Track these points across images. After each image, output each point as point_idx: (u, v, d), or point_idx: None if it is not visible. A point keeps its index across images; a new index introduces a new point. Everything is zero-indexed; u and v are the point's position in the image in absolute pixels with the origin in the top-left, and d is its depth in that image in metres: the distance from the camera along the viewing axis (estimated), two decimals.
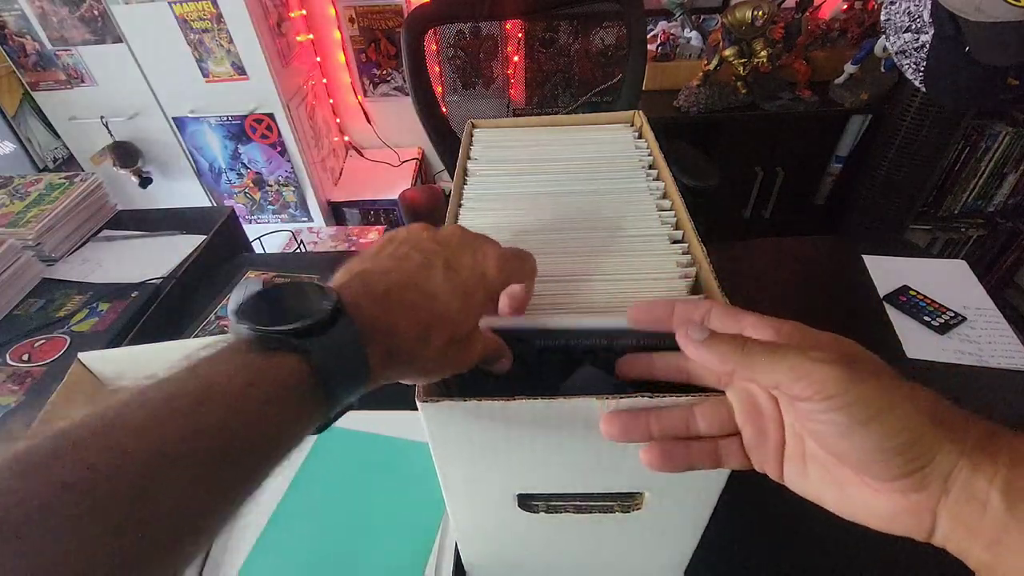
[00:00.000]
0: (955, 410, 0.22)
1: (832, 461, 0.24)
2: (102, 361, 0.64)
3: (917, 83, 0.90)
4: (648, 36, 1.57)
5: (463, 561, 0.45)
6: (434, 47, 1.63)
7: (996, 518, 0.20)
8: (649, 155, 0.49)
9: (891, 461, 0.22)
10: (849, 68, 1.47)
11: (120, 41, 1.43)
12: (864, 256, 0.80)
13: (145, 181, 1.65)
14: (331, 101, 1.84)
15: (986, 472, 0.21)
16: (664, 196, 0.44)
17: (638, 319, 0.29)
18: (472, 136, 0.54)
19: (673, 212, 0.42)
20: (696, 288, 0.36)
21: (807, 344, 0.25)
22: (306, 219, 1.79)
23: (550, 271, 0.37)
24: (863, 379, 0.22)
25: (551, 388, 0.31)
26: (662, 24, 1.60)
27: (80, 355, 0.62)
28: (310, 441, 0.58)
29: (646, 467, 0.27)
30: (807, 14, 1.54)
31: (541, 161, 0.49)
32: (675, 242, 0.40)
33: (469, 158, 0.50)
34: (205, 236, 0.89)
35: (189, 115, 1.56)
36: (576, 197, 0.45)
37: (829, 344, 0.25)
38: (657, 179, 0.46)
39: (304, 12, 1.65)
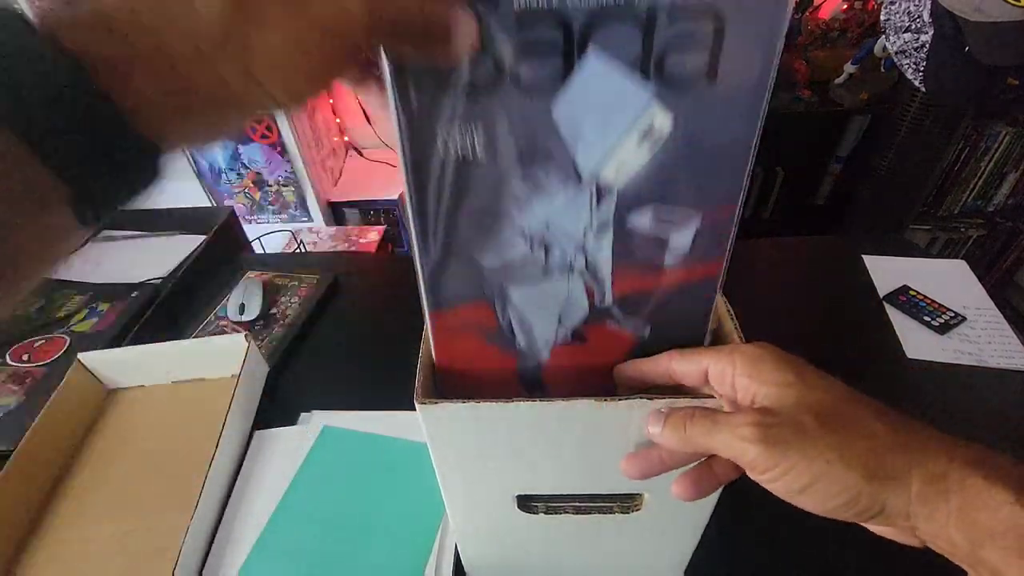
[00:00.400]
0: (899, 450, 0.22)
1: None
2: (102, 361, 0.64)
3: (917, 83, 0.90)
4: None
5: (463, 562, 0.45)
6: None
7: (965, 551, 0.21)
8: None
9: (841, 513, 0.22)
10: (849, 68, 1.47)
11: None
12: (864, 256, 0.80)
13: None
14: (331, 101, 1.84)
15: (940, 515, 0.21)
16: None
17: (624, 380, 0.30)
18: None
19: None
20: None
21: (754, 380, 0.24)
22: (306, 219, 1.79)
23: None
24: (787, 451, 0.22)
25: (541, 101, 0.22)
26: None
27: (80, 355, 0.62)
28: (309, 441, 0.58)
29: (679, 499, 0.28)
30: (807, 14, 1.54)
31: None
32: None
33: None
34: (205, 236, 0.89)
35: None
36: None
37: (772, 381, 0.24)
38: None
39: None
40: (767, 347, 0.25)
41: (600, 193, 0.24)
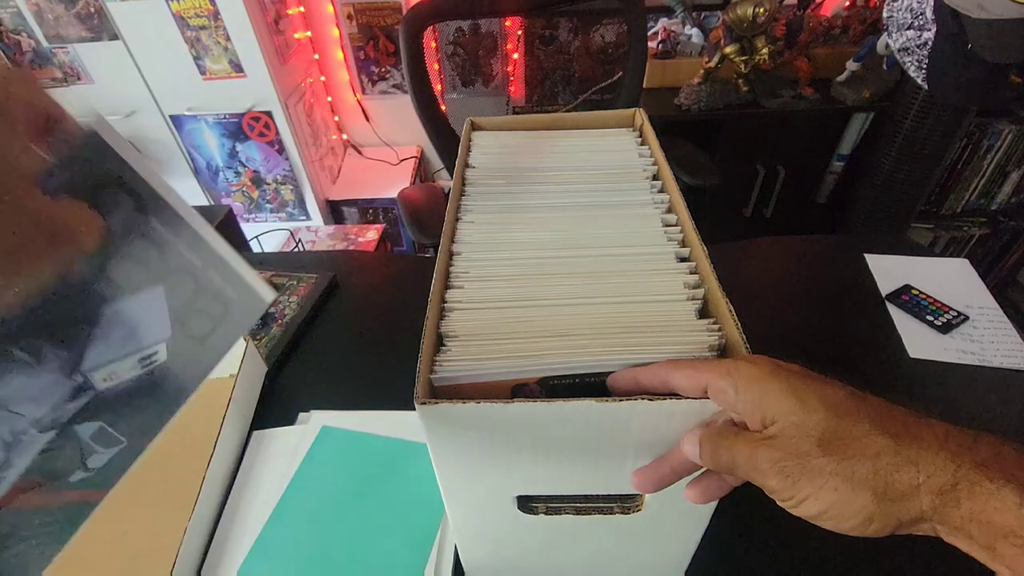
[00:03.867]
0: (905, 467, 0.22)
1: None
2: None
3: (919, 81, 0.89)
4: (649, 33, 1.56)
5: (463, 563, 0.45)
6: (433, 44, 1.62)
7: (983, 545, 0.21)
8: (653, 164, 0.48)
9: (860, 533, 0.23)
10: (851, 66, 1.46)
11: (116, 38, 1.42)
12: (866, 255, 0.79)
13: None
14: (329, 99, 1.84)
15: (953, 520, 0.21)
16: (669, 210, 0.43)
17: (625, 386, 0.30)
18: (471, 139, 0.53)
19: (679, 227, 0.41)
20: (704, 311, 0.35)
21: (758, 406, 0.25)
22: (304, 218, 1.79)
23: (550, 294, 0.36)
24: (797, 482, 0.23)
25: None
26: (663, 21, 1.59)
27: None
28: (308, 441, 0.57)
29: (692, 503, 0.29)
30: (809, 11, 1.53)
31: (541, 171, 0.48)
32: (682, 260, 0.38)
33: (467, 165, 0.49)
34: None
35: (186, 113, 1.56)
36: (577, 212, 0.43)
37: (774, 408, 0.25)
38: (662, 191, 0.45)
39: (302, 9, 1.64)
40: (764, 365, 0.26)
41: None
